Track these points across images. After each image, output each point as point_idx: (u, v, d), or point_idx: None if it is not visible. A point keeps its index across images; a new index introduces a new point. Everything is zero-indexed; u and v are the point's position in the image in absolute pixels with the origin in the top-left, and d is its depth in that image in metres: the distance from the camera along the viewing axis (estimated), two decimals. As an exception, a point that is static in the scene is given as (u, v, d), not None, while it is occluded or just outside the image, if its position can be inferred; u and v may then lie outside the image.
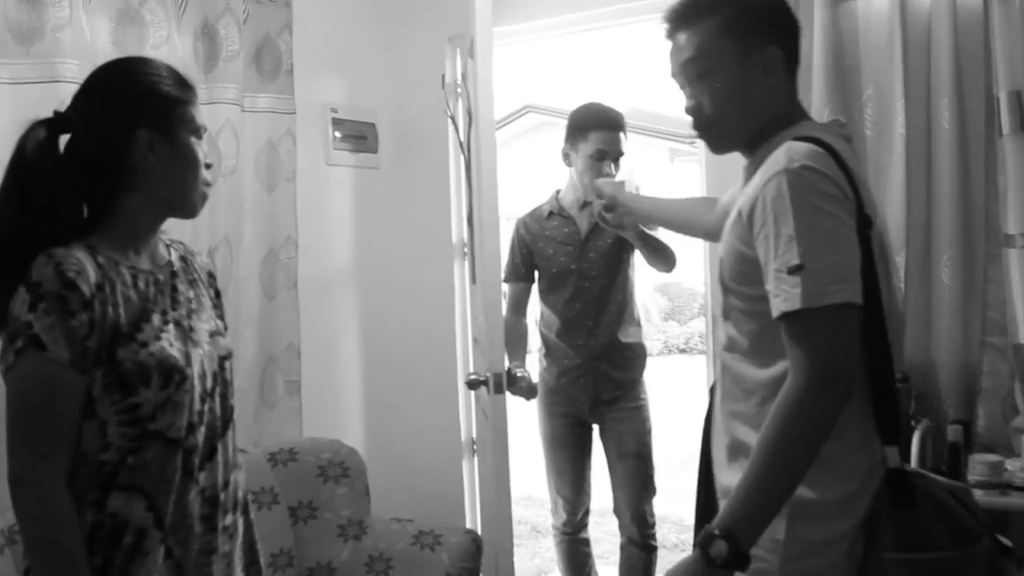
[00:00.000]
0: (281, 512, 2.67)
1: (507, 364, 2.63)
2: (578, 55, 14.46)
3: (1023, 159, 2.33)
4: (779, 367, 1.37)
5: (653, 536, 2.98)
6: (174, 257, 1.62)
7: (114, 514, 1.39)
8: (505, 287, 2.94)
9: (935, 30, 2.47)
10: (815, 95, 2.57)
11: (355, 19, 3.33)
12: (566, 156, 2.93)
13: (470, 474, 3.31)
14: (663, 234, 2.83)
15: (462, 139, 3.01)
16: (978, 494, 2.00)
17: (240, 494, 1.61)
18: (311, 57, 3.11)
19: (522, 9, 3.21)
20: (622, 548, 3.03)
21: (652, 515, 2.98)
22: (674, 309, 14.45)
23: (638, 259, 2.96)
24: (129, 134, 1.46)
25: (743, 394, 1.46)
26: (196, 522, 1.48)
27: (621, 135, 2.86)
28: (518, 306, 3.02)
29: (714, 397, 1.57)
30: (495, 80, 2.65)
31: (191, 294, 1.59)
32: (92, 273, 1.38)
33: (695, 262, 3.28)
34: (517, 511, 5.51)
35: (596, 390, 2.92)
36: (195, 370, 1.48)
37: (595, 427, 3.03)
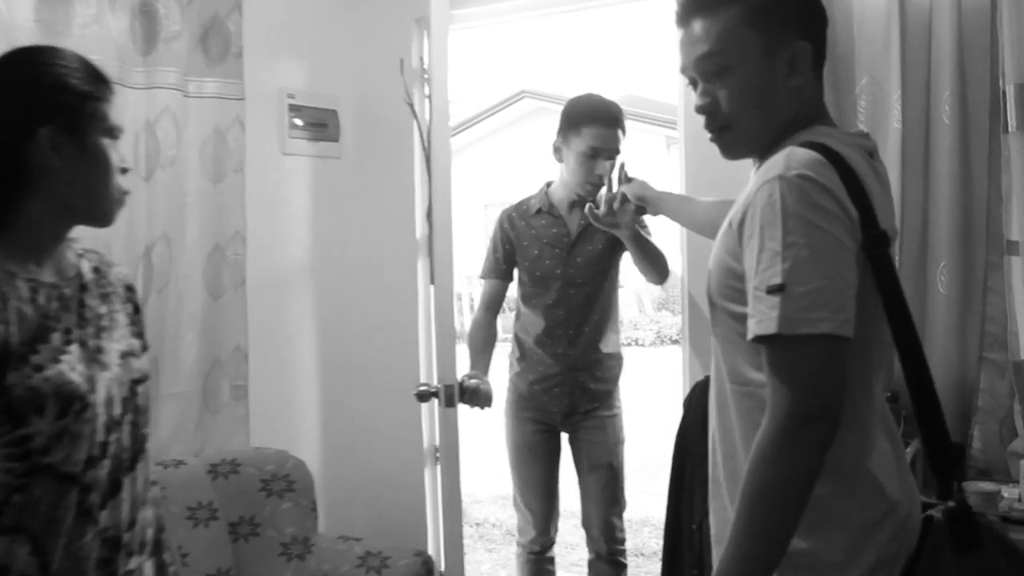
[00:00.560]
0: (220, 529, 2.48)
1: (460, 374, 2.44)
2: (574, 39, 14.24)
3: (1029, 159, 2.12)
4: (764, 396, 1.21)
5: (623, 552, 2.83)
6: (85, 268, 1.45)
7: None
8: (480, 283, 2.81)
9: (936, 16, 2.27)
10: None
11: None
12: (557, 151, 2.74)
13: (432, 485, 3.12)
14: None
15: (422, 129, 2.80)
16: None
17: (149, 534, 1.46)
18: (266, 39, 2.90)
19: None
20: (590, 565, 2.87)
21: (621, 529, 2.82)
22: (667, 299, 14.31)
23: (626, 263, 2.77)
24: (30, 132, 1.30)
25: (732, 424, 1.32)
26: (91, 568, 1.32)
27: (618, 131, 2.65)
28: (492, 305, 2.82)
29: (689, 411, 1.39)
30: (452, 65, 2.47)
31: (102, 310, 1.43)
32: None
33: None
34: (493, 512, 5.35)
35: (572, 400, 2.76)
36: (100, 396, 1.33)
37: (563, 435, 2.87)
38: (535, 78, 15.31)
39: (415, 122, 2.90)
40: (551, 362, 2.74)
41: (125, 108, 2.44)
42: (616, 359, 2.84)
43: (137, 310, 1.55)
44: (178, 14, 2.54)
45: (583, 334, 2.72)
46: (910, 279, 2.28)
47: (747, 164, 1.38)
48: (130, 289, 1.55)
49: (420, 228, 3.13)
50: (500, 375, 2.72)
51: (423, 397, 2.35)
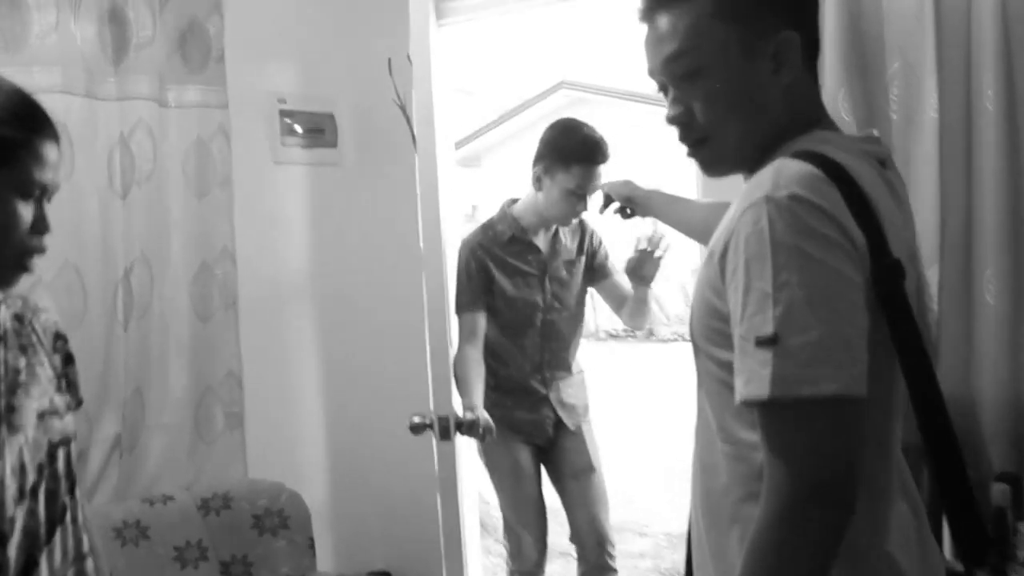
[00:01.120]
0: (211, 570, 2.34)
1: (460, 405, 2.26)
2: (612, 27, 13.92)
3: (1088, 147, 1.86)
4: (760, 459, 1.00)
5: (613, 557, 2.78)
6: (3, 317, 1.29)
7: None
8: (460, 319, 2.61)
9: (977, -15, 2.00)
10: (826, 72, 2.11)
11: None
12: (538, 180, 2.64)
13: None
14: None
15: (415, 133, 2.60)
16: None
17: None
18: (252, 41, 2.72)
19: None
20: None
21: (610, 533, 2.79)
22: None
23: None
24: None
25: (719, 490, 1.09)
26: None
27: (604, 168, 2.58)
28: (475, 338, 2.60)
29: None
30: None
31: (20, 363, 1.27)
32: None
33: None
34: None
35: (556, 418, 2.77)
36: (8, 464, 1.18)
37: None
38: (573, 68, 15.01)
39: (409, 127, 2.70)
40: (532, 386, 2.73)
41: (96, 121, 2.30)
42: (583, 372, 2.90)
43: (69, 360, 1.41)
44: (150, 19, 2.38)
45: (560, 356, 2.76)
46: (954, 290, 2.02)
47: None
48: (59, 338, 1.39)
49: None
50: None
51: (416, 429, 2.16)
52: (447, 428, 2.08)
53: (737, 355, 0.97)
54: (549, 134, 2.65)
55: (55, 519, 1.26)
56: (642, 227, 2.49)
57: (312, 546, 2.46)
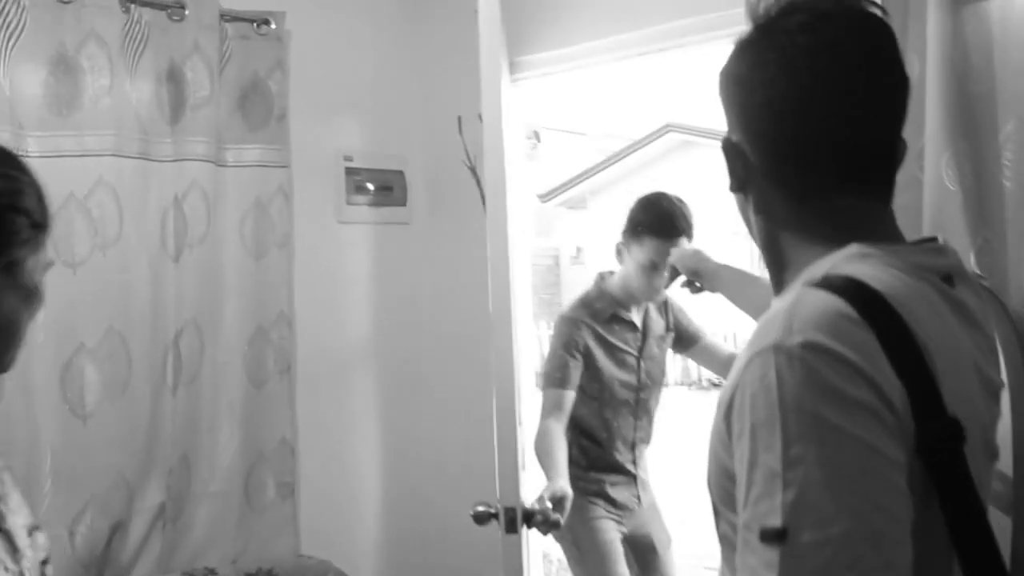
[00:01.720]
0: (249, 655, 2.21)
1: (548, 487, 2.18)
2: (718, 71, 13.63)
3: None
4: None
5: None
6: None
7: None
8: (547, 393, 2.51)
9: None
10: (928, 135, 1.87)
11: (375, 48, 2.84)
12: (619, 252, 2.62)
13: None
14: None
15: (484, 194, 2.46)
16: None
17: None
18: (317, 98, 2.66)
19: (560, 34, 2.62)
20: None
21: None
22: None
23: None
24: None
25: None
26: None
27: (682, 240, 2.47)
28: (563, 413, 2.45)
29: None
30: (513, 120, 2.12)
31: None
32: None
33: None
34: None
35: (638, 494, 2.71)
36: None
37: None
38: (680, 110, 14.76)
39: (479, 187, 2.56)
40: (624, 465, 2.65)
41: (149, 184, 2.25)
42: None
43: None
44: (207, 78, 2.31)
45: (648, 431, 2.72)
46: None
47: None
48: None
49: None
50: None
51: (481, 519, 1.95)
52: (514, 520, 1.88)
53: (739, 548, 0.76)
54: (632, 207, 2.60)
55: None
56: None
57: (356, 634, 2.31)
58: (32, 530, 1.16)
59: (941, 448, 0.76)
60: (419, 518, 2.81)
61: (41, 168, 1.14)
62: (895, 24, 1.97)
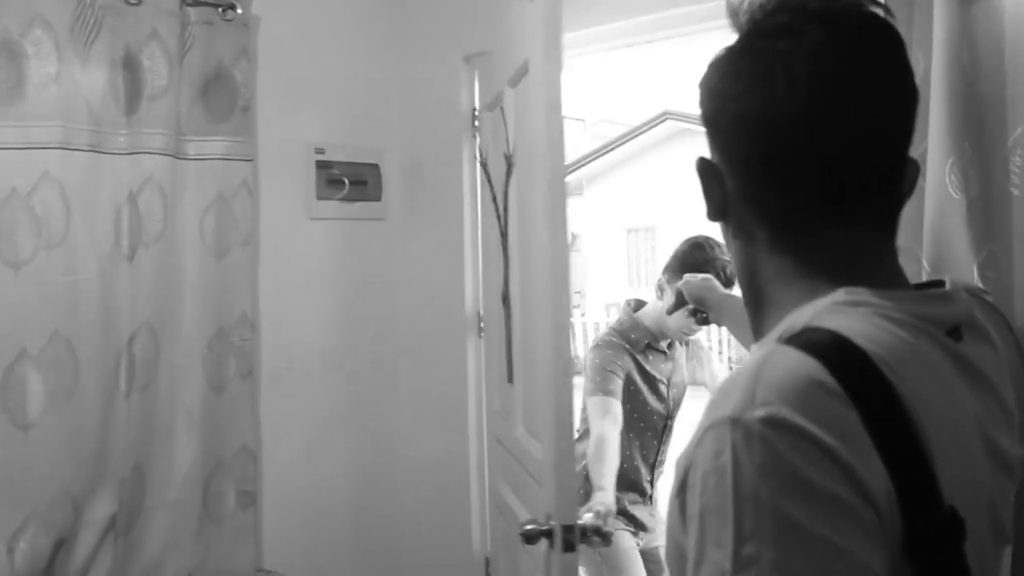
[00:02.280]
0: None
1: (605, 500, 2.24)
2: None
3: None
4: None
5: None
6: None
7: None
8: (594, 399, 2.55)
9: None
10: (932, 138, 1.74)
11: (348, 35, 2.69)
12: (660, 289, 2.66)
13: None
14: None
15: (496, 194, 2.31)
16: None
17: None
18: (286, 87, 2.52)
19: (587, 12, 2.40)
20: None
21: None
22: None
23: None
24: None
25: None
26: None
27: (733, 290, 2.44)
28: (616, 420, 2.50)
29: None
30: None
31: None
32: None
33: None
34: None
35: (655, 511, 2.79)
36: None
37: None
38: (678, 99, 14.60)
39: (489, 184, 2.39)
40: (643, 485, 2.71)
41: (101, 178, 2.11)
42: None
43: None
44: (165, 66, 2.17)
45: (668, 454, 2.75)
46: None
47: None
48: None
49: (471, 301, 2.66)
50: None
51: (531, 539, 1.78)
52: (572, 539, 1.71)
53: None
54: (679, 246, 2.64)
55: None
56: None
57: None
58: None
59: (933, 544, 0.63)
60: (390, 530, 2.69)
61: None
62: (899, 17, 1.83)
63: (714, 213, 0.82)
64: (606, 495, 2.27)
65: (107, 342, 2.13)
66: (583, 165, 16.41)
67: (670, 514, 0.71)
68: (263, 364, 2.45)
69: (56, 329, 2.03)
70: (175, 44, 2.20)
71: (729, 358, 10.70)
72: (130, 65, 2.15)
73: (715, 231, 0.95)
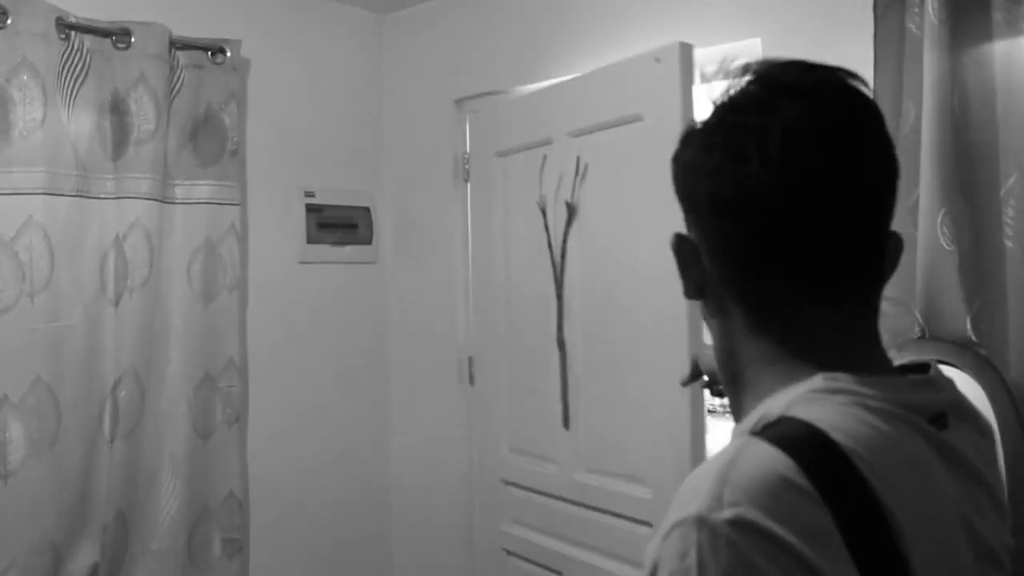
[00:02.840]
0: None
1: None
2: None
3: None
4: None
5: None
6: None
7: None
8: None
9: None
10: (924, 189, 1.71)
11: (339, 78, 2.68)
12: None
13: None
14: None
15: (552, 240, 2.21)
16: None
17: None
18: (276, 131, 2.51)
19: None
20: None
21: None
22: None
23: None
24: None
25: None
26: None
27: None
28: None
29: None
30: None
31: None
32: None
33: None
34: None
35: None
36: None
37: None
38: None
39: (545, 230, 2.27)
40: None
41: (87, 223, 2.09)
42: None
43: None
44: (153, 110, 2.16)
45: None
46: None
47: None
48: None
49: (462, 345, 2.62)
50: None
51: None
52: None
53: None
54: None
55: None
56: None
57: None
58: None
59: None
60: (385, 572, 2.64)
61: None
62: (889, 65, 1.81)
63: (692, 291, 0.79)
64: None
65: (91, 388, 2.10)
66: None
67: None
68: (251, 409, 2.42)
69: (38, 375, 2.00)
70: (163, 88, 2.19)
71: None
72: (117, 109, 2.14)
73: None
